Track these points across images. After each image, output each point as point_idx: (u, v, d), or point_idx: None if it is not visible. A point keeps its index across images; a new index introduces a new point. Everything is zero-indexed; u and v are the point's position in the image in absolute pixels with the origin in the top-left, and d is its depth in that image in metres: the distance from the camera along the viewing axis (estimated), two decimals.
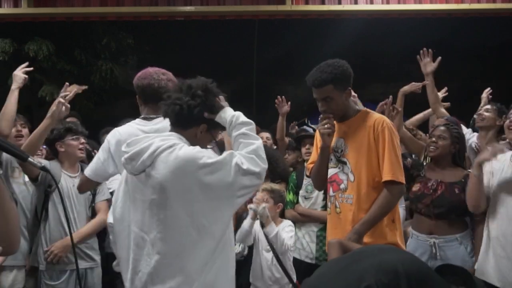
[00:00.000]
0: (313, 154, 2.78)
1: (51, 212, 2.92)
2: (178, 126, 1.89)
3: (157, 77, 2.51)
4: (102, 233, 3.24)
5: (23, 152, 1.36)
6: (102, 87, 11.77)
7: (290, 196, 3.55)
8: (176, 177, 1.72)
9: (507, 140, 3.06)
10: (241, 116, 1.89)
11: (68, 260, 2.91)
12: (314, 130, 4.36)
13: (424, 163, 3.16)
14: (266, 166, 1.81)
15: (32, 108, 10.81)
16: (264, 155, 1.83)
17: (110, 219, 2.10)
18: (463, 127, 3.41)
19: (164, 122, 2.03)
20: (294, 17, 6.13)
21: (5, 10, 5.68)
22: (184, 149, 1.76)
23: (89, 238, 3.02)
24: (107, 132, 4.12)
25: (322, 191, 3.24)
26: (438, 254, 2.82)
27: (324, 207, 3.26)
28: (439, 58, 3.62)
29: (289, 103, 4.31)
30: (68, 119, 3.69)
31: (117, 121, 3.82)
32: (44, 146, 3.41)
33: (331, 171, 2.56)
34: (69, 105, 2.74)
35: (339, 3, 5.70)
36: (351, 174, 2.46)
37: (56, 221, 2.92)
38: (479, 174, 2.70)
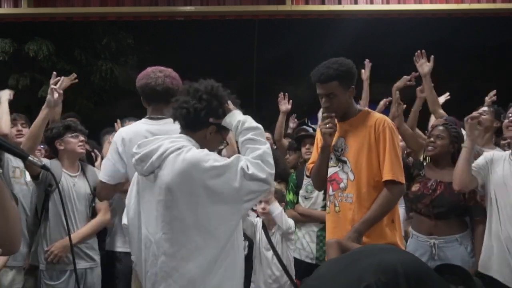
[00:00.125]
0: (313, 154, 2.78)
1: (51, 212, 2.91)
2: (187, 128, 1.91)
3: (154, 75, 2.52)
4: (102, 233, 3.24)
5: (23, 151, 1.36)
6: (102, 87, 11.78)
7: (290, 196, 3.55)
8: (182, 180, 1.73)
9: (507, 140, 3.06)
10: (247, 121, 1.87)
11: (68, 260, 2.91)
12: (314, 130, 4.37)
13: (424, 163, 3.16)
14: (272, 171, 1.79)
15: (32, 108, 10.79)
16: (271, 160, 1.81)
17: (124, 220, 2.11)
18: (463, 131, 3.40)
19: (172, 123, 2.04)
20: (294, 17, 6.14)
21: (5, 10, 5.69)
22: (191, 152, 1.77)
23: (89, 238, 3.02)
24: (108, 132, 4.16)
25: (322, 191, 3.25)
26: (438, 254, 2.82)
27: (324, 207, 3.26)
28: (432, 56, 3.63)
29: (290, 101, 4.31)
30: (67, 119, 3.68)
31: (117, 121, 3.83)
32: (42, 146, 3.41)
33: (331, 170, 2.56)
34: (61, 91, 2.72)
35: (339, 3, 5.70)
36: (351, 173, 2.47)
37: (56, 221, 2.92)
38: (470, 147, 2.64)
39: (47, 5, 5.77)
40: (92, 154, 3.75)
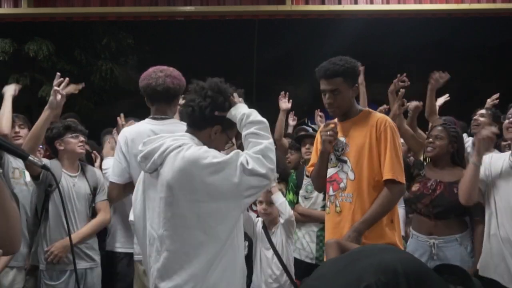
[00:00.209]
0: (313, 157, 2.78)
1: (52, 212, 2.91)
2: (193, 127, 1.92)
3: (155, 76, 2.53)
4: (102, 233, 3.24)
5: (24, 151, 1.36)
6: (102, 87, 11.79)
7: (290, 196, 3.55)
8: (182, 177, 1.75)
9: (507, 141, 3.06)
10: (252, 115, 1.86)
11: (68, 260, 2.90)
12: (314, 130, 4.37)
13: (425, 163, 3.16)
14: (273, 166, 1.78)
15: (32, 108, 10.81)
16: (272, 155, 1.79)
17: (131, 217, 2.14)
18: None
19: (176, 124, 2.05)
20: (294, 17, 6.13)
21: (5, 10, 5.68)
22: (191, 150, 1.78)
23: (89, 238, 3.02)
24: (108, 132, 4.15)
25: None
26: (437, 254, 2.82)
27: (324, 207, 3.26)
28: (448, 76, 3.59)
29: (290, 101, 4.31)
30: (67, 119, 3.68)
31: (117, 121, 3.83)
32: (41, 146, 3.41)
33: (331, 171, 2.56)
34: (64, 93, 2.71)
35: (339, 3, 5.70)
36: (351, 172, 2.47)
37: (56, 221, 2.92)
38: (479, 163, 2.63)
39: (47, 5, 5.77)
40: (92, 155, 3.75)
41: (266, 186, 1.84)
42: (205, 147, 1.81)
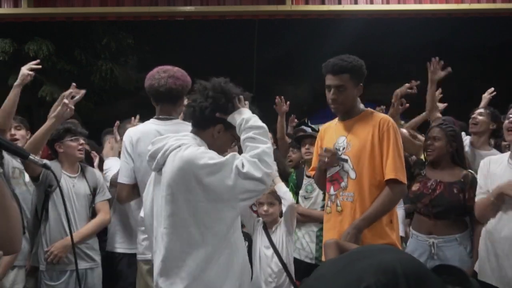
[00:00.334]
0: (314, 160, 2.80)
1: (52, 212, 2.92)
2: (196, 127, 1.96)
3: (158, 76, 2.54)
4: (102, 233, 3.24)
5: (24, 150, 1.36)
6: (102, 87, 11.77)
7: None
8: (179, 177, 1.78)
9: (507, 142, 3.06)
10: (251, 119, 1.87)
11: (68, 260, 2.91)
12: (313, 130, 4.37)
13: (426, 163, 3.16)
14: (269, 171, 1.78)
15: (32, 108, 10.82)
16: (269, 160, 1.80)
17: (142, 213, 2.18)
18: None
19: (181, 124, 2.07)
20: (294, 17, 6.14)
21: (5, 10, 5.68)
22: (189, 149, 1.81)
23: (89, 239, 3.02)
24: (108, 132, 4.15)
25: (322, 191, 3.25)
26: (437, 254, 2.82)
27: (324, 207, 3.26)
28: (449, 69, 3.60)
29: (288, 103, 4.30)
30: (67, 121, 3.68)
31: (117, 121, 3.83)
32: None
33: (332, 170, 2.57)
34: (73, 107, 2.73)
35: (339, 3, 5.70)
36: (352, 171, 2.47)
37: (56, 221, 2.92)
38: (497, 203, 2.63)
39: (47, 5, 5.76)
40: (91, 155, 3.74)
41: (262, 191, 1.86)
42: (203, 148, 1.84)
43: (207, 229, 1.79)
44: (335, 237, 2.42)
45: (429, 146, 3.01)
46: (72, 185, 2.99)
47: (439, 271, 1.55)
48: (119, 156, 3.28)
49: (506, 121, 2.79)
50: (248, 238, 3.22)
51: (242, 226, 3.34)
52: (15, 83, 2.98)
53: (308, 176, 3.52)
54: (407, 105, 3.50)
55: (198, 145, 1.88)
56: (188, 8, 5.76)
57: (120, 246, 3.28)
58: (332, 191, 2.56)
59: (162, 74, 2.54)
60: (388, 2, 5.71)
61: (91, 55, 11.52)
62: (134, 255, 3.12)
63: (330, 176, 2.57)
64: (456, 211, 2.87)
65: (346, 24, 9.65)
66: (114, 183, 2.99)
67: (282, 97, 4.30)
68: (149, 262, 2.43)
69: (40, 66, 3.14)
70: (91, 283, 3.00)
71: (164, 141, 1.90)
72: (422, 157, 3.29)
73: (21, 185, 3.07)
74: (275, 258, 2.92)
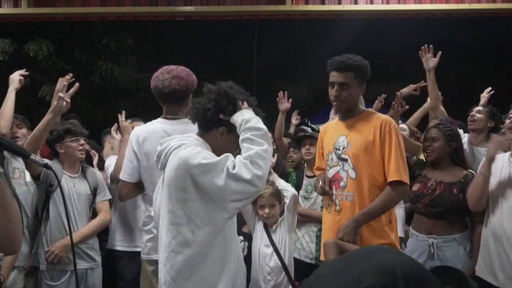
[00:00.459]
0: (317, 160, 2.82)
1: (52, 212, 2.92)
2: (200, 129, 2.00)
3: (162, 78, 2.56)
4: (102, 233, 3.25)
5: (25, 150, 1.36)
6: (102, 87, 11.78)
7: None
8: (175, 176, 1.83)
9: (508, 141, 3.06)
10: (251, 121, 1.87)
11: (69, 260, 2.91)
12: (313, 130, 4.37)
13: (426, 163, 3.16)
14: (260, 173, 1.77)
15: (32, 108, 10.81)
16: (262, 162, 1.78)
17: (152, 213, 2.23)
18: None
19: (187, 124, 2.14)
20: (294, 17, 6.13)
21: (5, 10, 5.68)
22: (186, 150, 1.85)
23: (89, 238, 3.02)
24: (108, 132, 4.15)
25: None
26: (436, 254, 2.82)
27: None
28: (439, 52, 3.65)
29: (290, 100, 4.30)
30: (67, 121, 3.68)
31: (117, 121, 3.83)
32: None
33: (332, 170, 2.57)
34: (69, 100, 2.71)
35: (339, 3, 5.70)
36: (352, 171, 2.47)
37: (57, 221, 2.92)
38: (487, 173, 2.67)
39: (47, 5, 5.76)
40: (91, 154, 3.75)
41: (254, 194, 1.84)
42: (199, 148, 1.86)
43: (199, 228, 1.81)
44: (333, 236, 2.42)
45: (428, 147, 3.02)
46: (73, 185, 2.99)
47: (438, 272, 1.55)
48: None
49: (507, 121, 2.79)
50: (248, 238, 3.22)
51: (243, 224, 3.35)
52: (9, 88, 3.04)
53: (308, 176, 3.53)
54: (407, 107, 3.50)
55: (200, 147, 1.90)
56: (188, 8, 5.76)
57: (120, 244, 3.29)
58: (333, 190, 2.56)
59: (166, 75, 2.55)
60: (388, 2, 5.71)
61: (91, 55, 11.52)
62: (134, 253, 3.13)
63: (332, 176, 2.57)
64: (456, 211, 2.86)
65: (346, 24, 9.65)
66: (114, 179, 3.00)
67: (286, 92, 4.30)
68: (154, 263, 2.45)
69: (27, 73, 3.22)
70: (91, 283, 3.00)
71: (170, 141, 1.95)
72: (422, 157, 3.29)
73: (22, 185, 3.08)
74: (275, 256, 2.91)
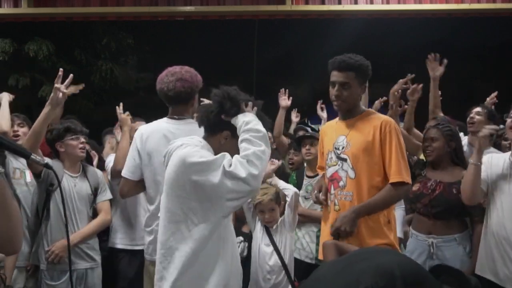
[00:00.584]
0: (319, 160, 2.82)
1: (53, 212, 2.92)
2: (205, 132, 2.04)
3: (166, 80, 2.58)
4: (102, 233, 3.24)
5: (25, 150, 1.36)
6: (102, 87, 11.79)
7: None
8: (174, 173, 1.87)
9: (508, 141, 3.05)
10: (251, 123, 1.90)
11: None
12: (313, 130, 4.37)
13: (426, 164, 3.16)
14: (256, 172, 1.78)
15: (32, 108, 10.81)
16: (258, 162, 1.80)
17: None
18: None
19: (192, 124, 2.21)
20: (294, 17, 6.13)
21: (5, 10, 5.68)
22: (185, 149, 1.89)
23: (89, 238, 3.02)
24: (108, 132, 4.16)
25: None
26: (436, 254, 2.82)
27: None
28: (445, 61, 3.62)
29: (290, 98, 4.30)
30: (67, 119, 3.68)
31: (117, 121, 3.84)
32: None
33: (331, 170, 2.57)
34: (65, 91, 2.69)
35: (339, 3, 5.70)
36: (351, 170, 2.47)
37: (57, 221, 2.92)
38: (479, 163, 2.65)
39: (47, 5, 5.76)
40: (91, 154, 3.75)
41: (249, 193, 1.85)
42: (197, 147, 1.90)
43: (195, 226, 1.84)
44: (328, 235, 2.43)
45: (428, 147, 3.01)
46: (74, 184, 2.99)
47: (438, 270, 1.55)
48: None
49: (509, 120, 2.78)
50: (248, 238, 3.22)
51: (243, 224, 3.35)
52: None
53: (309, 176, 3.53)
54: (406, 106, 3.50)
55: (202, 147, 1.93)
56: (188, 8, 5.76)
57: (120, 242, 3.29)
58: (332, 190, 2.56)
59: (170, 77, 2.57)
60: (388, 2, 5.71)
61: (91, 55, 11.54)
62: (135, 251, 3.14)
63: (330, 175, 2.58)
64: (455, 211, 2.86)
65: (346, 24, 9.66)
66: (114, 172, 3.00)
67: (287, 90, 4.30)
68: None
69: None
70: (91, 282, 3.00)
71: (175, 141, 2.00)
72: (422, 156, 3.29)
73: (22, 186, 3.08)
74: (275, 256, 2.91)
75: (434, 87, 3.66)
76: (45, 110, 2.67)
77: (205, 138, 2.02)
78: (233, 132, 1.97)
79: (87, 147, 3.40)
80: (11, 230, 1.23)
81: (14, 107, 3.32)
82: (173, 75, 2.56)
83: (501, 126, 3.48)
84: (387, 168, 2.43)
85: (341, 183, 2.50)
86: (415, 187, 2.99)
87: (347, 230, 2.33)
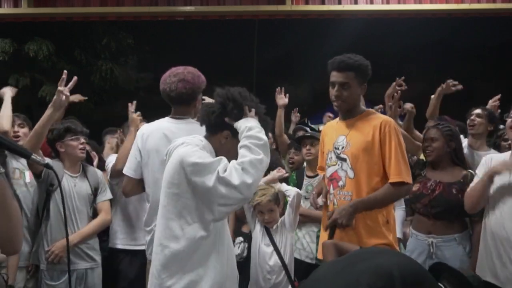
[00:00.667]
0: (320, 160, 2.82)
1: (53, 212, 2.92)
2: (207, 131, 2.04)
3: (169, 81, 2.60)
4: (102, 233, 3.24)
5: (26, 150, 1.36)
6: (102, 87, 11.77)
7: None
8: (172, 171, 1.88)
9: (509, 141, 3.05)
10: (253, 129, 1.89)
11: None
12: (313, 130, 4.37)
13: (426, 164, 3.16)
14: (250, 181, 1.77)
15: (32, 108, 10.80)
16: (253, 170, 1.79)
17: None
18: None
19: (193, 123, 2.22)
20: (294, 17, 6.14)
21: (5, 10, 5.69)
22: (185, 148, 1.90)
23: (89, 238, 3.02)
24: (108, 132, 4.15)
25: None
26: (436, 253, 2.82)
27: None
28: (460, 86, 3.64)
29: (287, 95, 4.28)
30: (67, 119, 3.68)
31: (117, 121, 3.84)
32: None
33: (331, 169, 2.57)
34: (68, 94, 2.70)
35: (339, 3, 5.71)
36: (350, 170, 2.47)
37: (57, 221, 2.92)
38: (489, 183, 2.68)
39: (47, 5, 5.77)
40: (91, 154, 3.75)
41: (240, 201, 1.85)
42: (197, 147, 1.91)
43: (188, 225, 1.84)
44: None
45: (428, 147, 3.02)
46: (74, 184, 2.99)
47: (438, 268, 1.55)
48: None
49: (509, 120, 2.78)
50: (248, 238, 3.22)
51: (243, 224, 3.35)
52: (5, 98, 3.05)
53: (309, 176, 3.53)
54: (404, 107, 3.49)
55: (203, 147, 1.94)
56: (188, 8, 5.76)
57: (121, 242, 3.29)
58: (331, 190, 2.57)
59: (172, 78, 2.59)
60: (388, 2, 5.72)
61: (91, 55, 11.53)
62: (136, 251, 3.14)
63: (330, 175, 2.58)
64: (455, 212, 2.87)
65: (346, 24, 9.66)
66: (114, 172, 3.01)
67: (283, 88, 4.29)
68: None
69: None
70: (91, 282, 3.00)
71: (177, 140, 2.02)
72: (422, 156, 3.29)
73: (21, 186, 3.08)
74: (275, 255, 2.91)
75: (437, 99, 3.69)
76: (48, 112, 2.68)
77: (206, 137, 2.02)
78: (234, 132, 1.97)
79: (88, 147, 3.40)
80: (11, 230, 1.23)
81: (14, 107, 3.31)
82: (175, 76, 2.58)
83: (501, 126, 3.48)
84: (386, 168, 2.43)
85: (340, 183, 2.50)
86: (415, 187, 2.99)
87: (344, 223, 2.33)
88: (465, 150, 3.38)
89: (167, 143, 2.14)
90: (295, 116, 5.30)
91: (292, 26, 11.53)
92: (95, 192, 3.10)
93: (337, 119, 2.70)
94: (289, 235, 2.98)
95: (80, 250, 2.96)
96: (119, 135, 3.80)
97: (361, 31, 11.17)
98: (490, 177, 2.68)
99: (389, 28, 11.46)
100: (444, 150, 2.98)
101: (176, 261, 1.85)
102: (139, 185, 2.67)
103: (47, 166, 1.41)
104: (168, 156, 1.99)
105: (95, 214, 3.12)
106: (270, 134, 4.53)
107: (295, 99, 4.48)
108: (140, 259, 2.99)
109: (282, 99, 4.25)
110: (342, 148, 2.52)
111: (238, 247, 3.30)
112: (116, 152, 3.70)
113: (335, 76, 2.48)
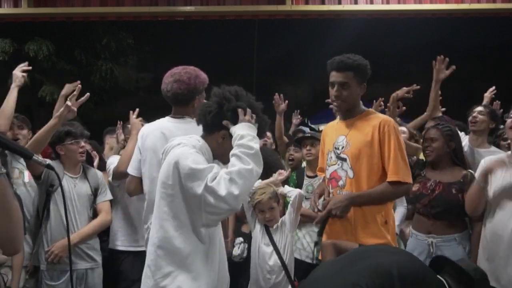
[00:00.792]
0: (320, 160, 2.82)
1: (53, 212, 2.92)
2: (203, 131, 2.03)
3: (167, 81, 2.62)
4: (102, 233, 3.24)
5: (28, 150, 1.36)
6: (102, 87, 11.78)
7: None
8: (167, 171, 1.87)
9: (508, 141, 3.05)
10: (245, 138, 1.84)
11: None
12: (313, 130, 4.37)
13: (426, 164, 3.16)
14: (236, 192, 1.73)
15: (32, 108, 10.81)
16: (241, 181, 1.75)
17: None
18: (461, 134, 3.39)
19: (191, 123, 2.21)
20: (294, 17, 6.14)
21: (5, 10, 5.69)
22: (181, 149, 1.89)
23: (89, 239, 3.02)
24: (108, 132, 4.15)
25: None
26: (436, 253, 2.82)
27: None
28: (453, 67, 3.60)
29: (286, 101, 4.29)
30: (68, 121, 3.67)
31: (117, 121, 3.84)
32: None
33: (331, 169, 2.57)
34: (75, 109, 2.75)
35: (339, 3, 5.71)
36: (350, 170, 2.47)
37: (57, 221, 2.92)
38: (483, 185, 2.70)
39: (47, 5, 5.77)
40: (92, 154, 3.75)
41: (227, 211, 1.82)
42: (192, 149, 1.89)
43: (182, 227, 1.85)
44: (332, 235, 2.42)
45: (427, 147, 3.01)
46: (74, 185, 2.99)
47: (440, 262, 1.55)
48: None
49: (509, 120, 2.78)
50: (248, 238, 3.22)
51: (243, 224, 3.35)
52: (12, 86, 3.08)
53: (309, 176, 3.53)
54: (404, 108, 3.48)
55: (200, 148, 1.93)
56: (188, 8, 5.76)
57: (122, 244, 3.28)
58: (330, 189, 2.57)
59: (169, 78, 2.61)
60: (388, 2, 5.72)
61: (91, 55, 11.54)
62: (137, 252, 3.13)
63: (330, 174, 2.58)
64: (455, 212, 2.87)
65: (346, 24, 9.66)
66: (116, 173, 3.01)
67: (281, 95, 4.29)
68: None
69: (30, 67, 3.25)
70: (92, 283, 3.00)
71: (174, 140, 2.01)
72: (422, 157, 3.29)
73: (20, 186, 3.07)
74: (274, 255, 2.91)
75: (436, 88, 3.64)
76: (52, 122, 2.73)
77: (203, 137, 2.02)
78: (230, 133, 1.95)
79: (88, 147, 3.40)
80: (11, 230, 1.23)
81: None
82: (172, 76, 2.60)
83: (501, 126, 3.48)
84: (386, 167, 2.43)
85: (340, 183, 2.51)
86: (414, 188, 2.99)
87: (338, 214, 2.35)
88: (465, 148, 3.38)
89: (165, 142, 2.13)
90: (296, 119, 5.29)
91: (292, 26, 11.53)
92: (95, 193, 3.10)
93: (337, 119, 2.70)
94: (289, 235, 2.98)
95: (80, 250, 2.95)
96: (117, 134, 3.78)
97: (361, 31, 11.18)
98: (483, 177, 2.69)
99: (389, 28, 11.47)
100: (444, 150, 2.98)
101: (170, 261, 1.84)
102: (141, 184, 2.69)
103: (48, 166, 1.41)
104: (164, 155, 1.99)
105: (95, 215, 3.12)
106: (270, 134, 4.53)
107: (295, 99, 4.48)
108: (142, 260, 2.98)
109: (280, 106, 4.24)
110: (342, 148, 2.52)
111: (238, 248, 3.30)
112: (116, 152, 3.70)
113: (334, 76, 2.49)
